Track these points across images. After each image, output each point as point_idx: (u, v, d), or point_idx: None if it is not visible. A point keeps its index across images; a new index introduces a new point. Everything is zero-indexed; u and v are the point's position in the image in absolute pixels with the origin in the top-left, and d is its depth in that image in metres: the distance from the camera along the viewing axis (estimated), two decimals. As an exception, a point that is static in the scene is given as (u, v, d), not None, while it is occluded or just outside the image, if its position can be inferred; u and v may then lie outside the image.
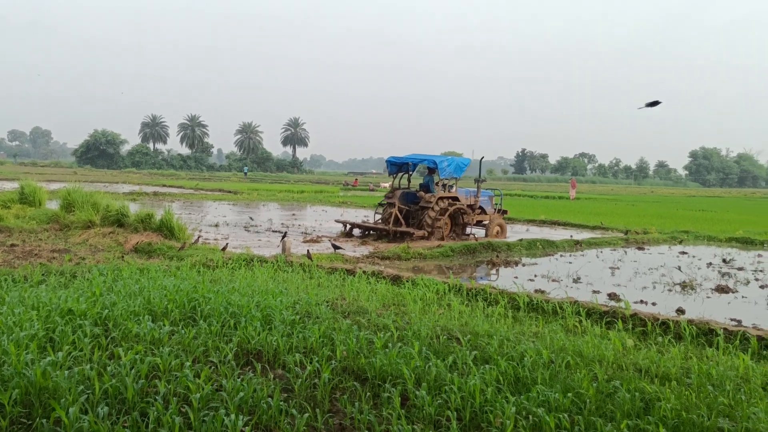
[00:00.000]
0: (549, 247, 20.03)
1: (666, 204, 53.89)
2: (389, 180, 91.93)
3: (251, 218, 26.70)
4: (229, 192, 51.15)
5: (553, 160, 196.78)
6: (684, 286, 14.07)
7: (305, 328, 7.66)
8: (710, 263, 17.97)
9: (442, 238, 21.35)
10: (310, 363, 6.65)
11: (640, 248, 21.14)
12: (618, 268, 16.59)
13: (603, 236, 23.52)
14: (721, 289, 13.71)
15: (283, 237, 17.21)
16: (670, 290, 13.66)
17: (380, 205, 23.70)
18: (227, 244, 16.58)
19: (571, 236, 22.67)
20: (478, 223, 23.81)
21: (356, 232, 23.12)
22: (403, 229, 21.29)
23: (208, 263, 13.12)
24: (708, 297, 13.05)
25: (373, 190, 66.39)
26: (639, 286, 13.99)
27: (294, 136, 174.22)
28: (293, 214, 31.51)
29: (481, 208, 23.93)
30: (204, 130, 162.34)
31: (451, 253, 17.84)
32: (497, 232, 23.78)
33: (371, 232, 22.46)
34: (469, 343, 7.53)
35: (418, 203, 22.43)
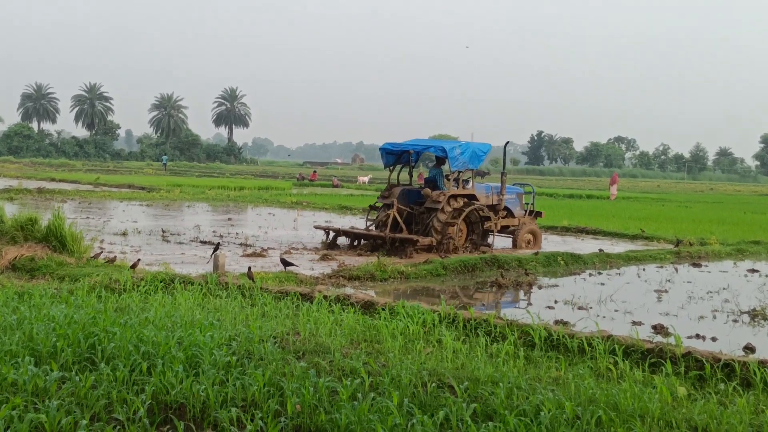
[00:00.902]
0: (574, 263, 20.13)
1: (730, 205, 54.42)
2: (368, 174, 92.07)
3: (163, 230, 26.55)
4: (142, 189, 50.84)
5: (579, 146, 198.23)
6: (754, 315, 14.20)
7: (245, 374, 7.61)
8: (789, 285, 18.17)
9: (455, 249, 21.52)
10: (251, 421, 6.59)
11: (695, 265, 21.32)
12: (666, 292, 16.71)
13: (646, 249, 23.71)
14: (804, 320, 13.86)
15: (215, 250, 17.10)
16: (735, 321, 13.78)
17: (373, 207, 23.87)
18: (139, 259, 16.47)
19: (600, 250, 22.63)
20: (503, 229, 23.93)
21: (342, 241, 23.23)
22: (404, 235, 21.41)
23: (112, 285, 12.98)
24: (786, 330, 13.19)
25: (337, 185, 66.41)
26: (694, 315, 14.10)
27: (230, 113, 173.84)
28: (229, 219, 31.40)
29: (506, 209, 24.04)
30: (107, 104, 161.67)
31: (442, 271, 17.88)
32: (529, 242, 24.01)
33: (362, 240, 22.58)
34: (467, 392, 7.53)
35: (423, 203, 22.56)
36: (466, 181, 23.14)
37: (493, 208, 23.18)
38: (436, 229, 21.44)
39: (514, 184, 25.61)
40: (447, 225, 21.60)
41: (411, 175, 24.36)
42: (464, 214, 21.85)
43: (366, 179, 77.00)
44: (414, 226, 22.47)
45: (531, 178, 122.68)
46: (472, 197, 22.64)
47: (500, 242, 24.10)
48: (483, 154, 22.86)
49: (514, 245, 23.69)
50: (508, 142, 25.32)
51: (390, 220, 21.77)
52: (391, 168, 23.78)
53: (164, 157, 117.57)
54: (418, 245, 20.98)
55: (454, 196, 22.12)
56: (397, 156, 23.47)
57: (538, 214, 25.52)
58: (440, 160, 23.10)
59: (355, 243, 22.66)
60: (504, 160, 25.43)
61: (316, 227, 24.45)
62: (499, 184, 24.12)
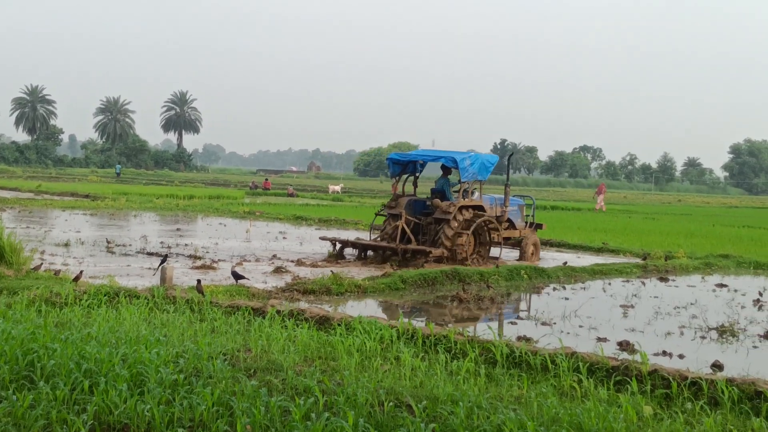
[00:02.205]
0: (538, 277, 20.23)
1: (698, 218, 55.06)
2: (340, 182, 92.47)
3: (108, 240, 26.35)
4: (86, 196, 50.48)
5: (544, 155, 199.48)
6: (722, 331, 14.33)
7: (192, 393, 7.55)
8: (758, 300, 18.38)
9: (465, 260, 21.95)
10: (199, 442, 6.55)
11: (662, 279, 21.51)
12: (632, 307, 16.83)
13: (612, 262, 23.88)
14: (772, 336, 14.02)
15: (163, 262, 16.99)
16: (703, 337, 13.90)
17: (378, 214, 24.44)
18: (81, 271, 16.29)
19: (565, 263, 23.08)
20: (504, 241, 24.58)
21: (348, 252, 23.69)
22: (417, 247, 21.91)
23: (53, 299, 12.84)
24: (755, 346, 13.32)
25: (292, 195, 66.28)
26: (661, 331, 14.21)
27: (180, 118, 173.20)
28: (178, 230, 31.21)
29: (509, 220, 24.76)
30: (50, 108, 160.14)
31: (401, 284, 17.88)
32: (532, 253, 24.74)
33: (369, 252, 23.05)
34: (426, 412, 7.52)
35: (430, 214, 23.11)
36: (472, 193, 23.63)
37: (496, 219, 23.81)
38: (447, 239, 21.92)
39: (514, 196, 26.18)
40: (457, 236, 22.15)
41: (416, 185, 24.78)
42: (474, 226, 22.44)
43: (338, 188, 77.41)
44: (421, 237, 23.02)
45: (494, 188, 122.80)
46: (480, 208, 23.20)
47: (504, 254, 24.67)
48: (491, 166, 23.58)
49: (522, 257, 24.44)
50: (512, 154, 26.04)
51: (399, 231, 22.27)
52: (397, 178, 24.24)
53: (118, 166, 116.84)
54: (430, 256, 21.43)
55: (464, 208, 22.63)
56: (403, 166, 24.03)
57: (539, 226, 26.37)
58: (446, 171, 23.74)
59: (363, 254, 23.13)
60: (507, 171, 26.47)
61: (322, 238, 24.95)
62: (503, 196, 24.82)
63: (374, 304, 16.37)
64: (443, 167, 23.68)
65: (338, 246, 23.60)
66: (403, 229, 22.42)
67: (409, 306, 16.20)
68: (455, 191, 23.74)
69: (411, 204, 23.27)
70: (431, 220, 22.87)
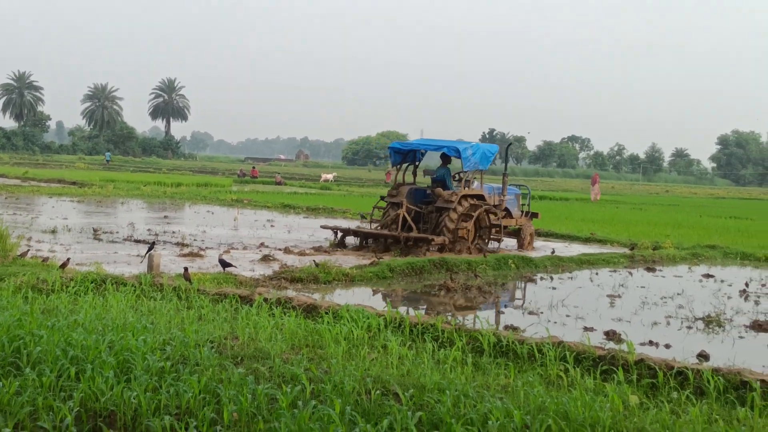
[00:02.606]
0: (525, 266, 20.30)
1: (686, 208, 55.24)
2: (332, 171, 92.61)
3: (95, 228, 26.29)
4: (73, 183, 50.30)
5: (532, 145, 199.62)
6: (708, 321, 14.41)
7: (179, 380, 7.56)
8: (744, 290, 18.50)
9: (468, 250, 22.30)
10: (185, 430, 6.56)
11: (649, 269, 21.60)
12: (619, 297, 16.90)
13: (599, 252, 23.96)
14: (759, 326, 14.10)
15: (150, 249, 16.97)
16: (689, 327, 13.97)
17: (377, 208, 24.56)
18: (69, 258, 16.28)
19: (553, 251, 23.31)
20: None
21: (350, 241, 23.90)
22: (419, 235, 22.20)
23: (39, 286, 12.84)
24: (740, 337, 13.41)
25: (280, 183, 66.15)
26: (647, 321, 14.28)
27: (168, 105, 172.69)
28: (165, 217, 31.17)
29: (506, 210, 25.15)
30: (37, 94, 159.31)
31: (389, 273, 17.91)
32: (529, 243, 25.29)
33: (370, 240, 23.25)
34: (413, 400, 7.54)
35: (431, 203, 23.45)
36: (470, 182, 23.98)
37: (495, 208, 24.03)
38: (449, 229, 22.20)
39: (510, 185, 26.57)
40: (460, 224, 22.47)
41: (415, 175, 24.97)
42: (477, 215, 22.70)
43: (330, 176, 77.65)
44: (422, 225, 23.27)
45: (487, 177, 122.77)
46: (480, 198, 23.54)
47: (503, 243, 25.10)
48: (492, 156, 24.06)
49: (520, 246, 24.98)
50: (510, 144, 26.34)
51: (400, 219, 22.47)
52: (398, 167, 24.53)
53: (107, 153, 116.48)
54: (432, 244, 21.71)
55: (466, 197, 22.92)
56: (404, 155, 24.30)
57: (534, 215, 26.89)
58: (446, 160, 24.06)
59: (365, 242, 23.38)
60: (506, 161, 27.00)
61: (323, 227, 25.23)
62: (500, 186, 25.27)
63: (369, 292, 16.39)
64: (443, 156, 24.01)
65: (339, 234, 23.84)
66: (404, 217, 22.62)
67: (404, 295, 16.21)
68: (455, 180, 24.06)
69: (412, 192, 23.48)
70: (432, 209, 23.16)
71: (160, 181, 55.27)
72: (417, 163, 24.80)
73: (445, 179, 23.77)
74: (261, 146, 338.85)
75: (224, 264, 16.61)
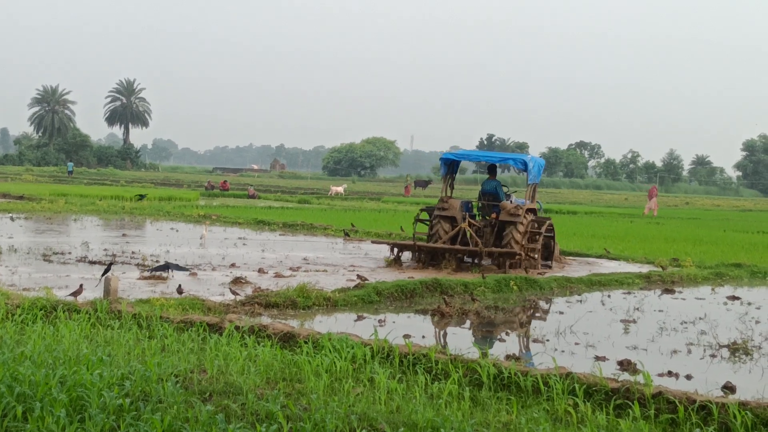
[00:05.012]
0: (529, 288, 20.25)
1: (708, 222, 55.33)
2: (342, 183, 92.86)
3: (44, 248, 26.22)
4: (19, 198, 50.16)
5: (536, 152, 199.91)
6: (734, 349, 14.39)
7: (140, 419, 7.53)
8: (774, 314, 18.50)
9: (535, 267, 23.51)
10: (148, 475, 6.51)
11: (668, 291, 21.58)
12: (634, 322, 16.88)
13: (612, 272, 23.95)
14: (790, 354, 14.11)
15: (106, 271, 16.91)
16: (713, 356, 13.96)
17: (418, 220, 25.37)
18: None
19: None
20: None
21: (406, 256, 24.81)
22: (503, 249, 23.12)
23: (-19, 314, 12.75)
24: (770, 366, 13.41)
25: (254, 196, 66.15)
26: (666, 349, 14.26)
27: (127, 109, 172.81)
28: (124, 235, 31.07)
29: None
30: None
31: (376, 297, 17.85)
32: (558, 260, 26.25)
33: (422, 255, 24.14)
34: (403, 440, 7.52)
35: (474, 216, 24.66)
36: (509, 196, 25.22)
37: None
38: (517, 242, 23.11)
39: (518, 199, 27.15)
40: (531, 241, 23.56)
41: (452, 187, 25.87)
42: (544, 229, 23.89)
43: (341, 189, 78.10)
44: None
45: (476, 189, 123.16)
46: (534, 212, 24.73)
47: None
48: (541, 169, 25.66)
49: (551, 265, 25.57)
50: (541, 154, 27.05)
51: (461, 234, 23.49)
52: (447, 178, 25.68)
53: (70, 164, 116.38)
54: (517, 258, 22.87)
55: (530, 210, 24.12)
56: (450, 165, 25.56)
57: None
58: (493, 172, 25.68)
59: (421, 258, 24.20)
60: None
61: (374, 242, 26.80)
62: (524, 199, 25.82)
63: (347, 319, 16.34)
64: (490, 168, 25.61)
65: (396, 251, 24.40)
66: (465, 232, 23.45)
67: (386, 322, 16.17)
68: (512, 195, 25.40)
69: (462, 206, 24.50)
70: (487, 223, 24.19)
71: (117, 194, 55.00)
72: (454, 176, 25.89)
73: (497, 192, 24.97)
74: (231, 155, 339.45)
75: (174, 268, 16.92)
